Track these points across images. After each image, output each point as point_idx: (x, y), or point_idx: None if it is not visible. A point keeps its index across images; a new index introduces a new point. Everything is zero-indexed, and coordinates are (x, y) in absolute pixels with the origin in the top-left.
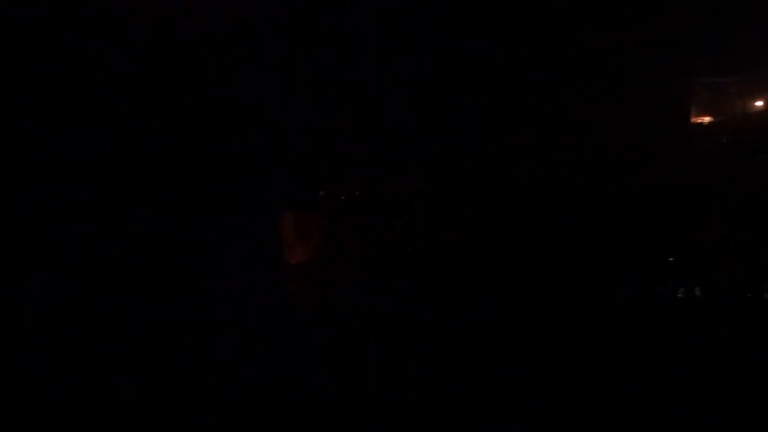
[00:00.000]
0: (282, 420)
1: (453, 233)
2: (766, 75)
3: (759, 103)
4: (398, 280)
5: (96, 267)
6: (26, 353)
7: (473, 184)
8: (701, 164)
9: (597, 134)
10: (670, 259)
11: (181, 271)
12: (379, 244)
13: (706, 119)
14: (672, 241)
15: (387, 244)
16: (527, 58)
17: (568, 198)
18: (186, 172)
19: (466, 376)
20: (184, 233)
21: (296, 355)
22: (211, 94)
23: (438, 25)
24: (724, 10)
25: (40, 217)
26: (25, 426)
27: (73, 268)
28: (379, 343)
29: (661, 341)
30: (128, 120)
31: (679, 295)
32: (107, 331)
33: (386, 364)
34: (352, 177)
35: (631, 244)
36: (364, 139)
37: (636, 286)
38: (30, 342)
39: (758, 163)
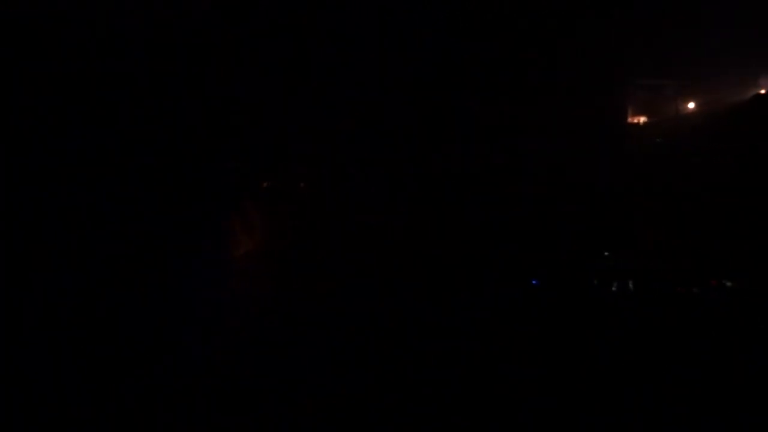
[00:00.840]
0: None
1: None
2: (699, 78)
3: (691, 105)
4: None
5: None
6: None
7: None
8: (636, 163)
9: (535, 134)
10: (605, 254)
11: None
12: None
13: (642, 119)
14: (607, 237)
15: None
16: (465, 62)
17: (506, 196)
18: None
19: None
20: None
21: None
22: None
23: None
24: (660, 16)
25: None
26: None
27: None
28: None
29: (597, 333)
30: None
31: (614, 289)
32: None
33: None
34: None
35: (567, 239)
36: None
37: (573, 279)
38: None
39: (691, 163)
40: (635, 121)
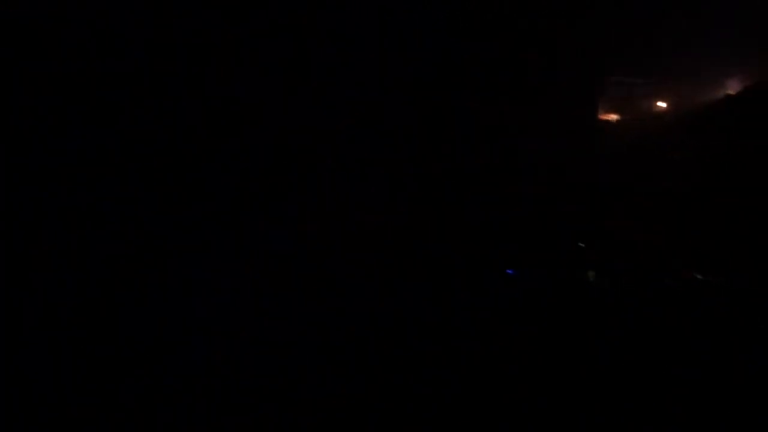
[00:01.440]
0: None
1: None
2: (669, 78)
3: (662, 104)
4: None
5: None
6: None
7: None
8: (609, 159)
9: (510, 130)
10: (581, 245)
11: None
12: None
13: (614, 117)
14: (582, 230)
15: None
16: (445, 60)
17: (481, 190)
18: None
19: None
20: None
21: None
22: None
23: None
24: (634, 16)
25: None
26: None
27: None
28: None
29: (576, 324)
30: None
31: (591, 280)
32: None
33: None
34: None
35: (543, 232)
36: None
37: (550, 270)
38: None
39: (662, 159)
40: (607, 118)
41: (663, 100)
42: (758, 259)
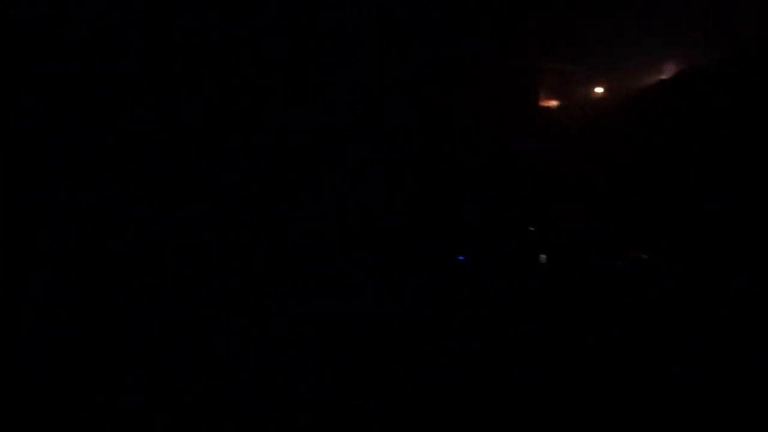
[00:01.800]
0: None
1: None
2: (607, 64)
3: (599, 90)
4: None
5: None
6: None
7: None
8: (549, 144)
9: (452, 118)
10: (531, 229)
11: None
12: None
13: (553, 103)
14: (530, 213)
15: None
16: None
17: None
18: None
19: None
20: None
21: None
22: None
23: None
24: (573, 4)
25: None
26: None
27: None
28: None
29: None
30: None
31: (542, 262)
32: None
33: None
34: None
35: (494, 217)
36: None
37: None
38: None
39: (600, 143)
40: (547, 104)
41: (600, 86)
42: (702, 241)
